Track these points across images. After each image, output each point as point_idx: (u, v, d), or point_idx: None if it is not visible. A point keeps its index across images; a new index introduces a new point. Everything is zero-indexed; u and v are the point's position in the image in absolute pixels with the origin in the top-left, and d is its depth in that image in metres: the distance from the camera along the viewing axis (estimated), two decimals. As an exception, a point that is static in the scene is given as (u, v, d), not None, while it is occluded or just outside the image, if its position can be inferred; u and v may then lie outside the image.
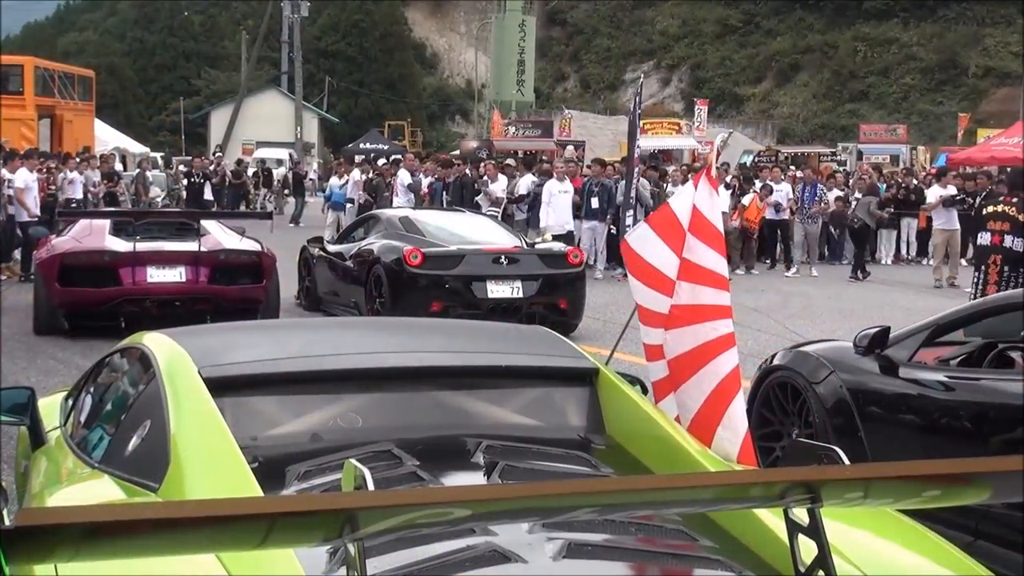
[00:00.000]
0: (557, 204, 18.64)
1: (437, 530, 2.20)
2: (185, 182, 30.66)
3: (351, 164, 27.29)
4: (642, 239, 5.66)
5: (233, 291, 12.79)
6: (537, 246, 14.06)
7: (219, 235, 13.46)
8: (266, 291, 13.08)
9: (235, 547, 1.93)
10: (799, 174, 24.05)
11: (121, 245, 12.66)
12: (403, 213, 15.00)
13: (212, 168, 33.16)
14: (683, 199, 5.59)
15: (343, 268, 14.04)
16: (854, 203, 23.83)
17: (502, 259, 12.76)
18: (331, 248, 14.91)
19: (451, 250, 12.85)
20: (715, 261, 5.36)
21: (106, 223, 13.54)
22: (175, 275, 12.57)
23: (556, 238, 17.73)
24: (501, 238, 13.74)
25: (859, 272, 20.84)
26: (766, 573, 2.59)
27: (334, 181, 26.29)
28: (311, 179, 34.60)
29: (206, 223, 13.72)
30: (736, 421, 5.00)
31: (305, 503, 1.75)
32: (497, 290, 12.59)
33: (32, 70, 35.52)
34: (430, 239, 13.20)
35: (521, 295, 12.65)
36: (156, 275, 12.50)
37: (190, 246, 12.69)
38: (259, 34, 66.93)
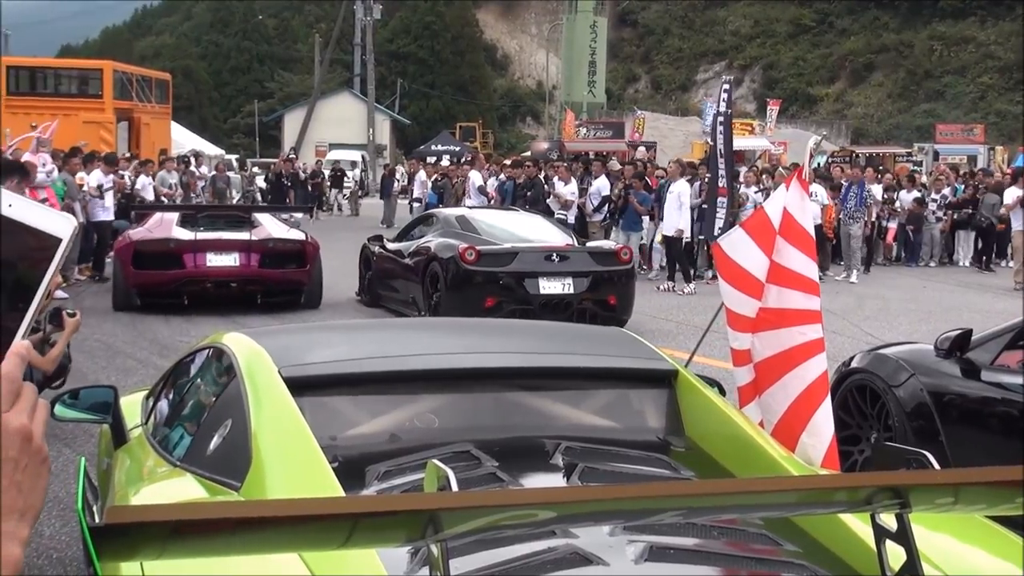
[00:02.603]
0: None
1: (518, 531, 2.19)
2: (262, 184, 31.53)
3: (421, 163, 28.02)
4: (735, 243, 5.54)
5: (280, 274, 14.59)
6: (588, 244, 14.32)
7: (269, 226, 15.19)
8: (309, 275, 14.74)
9: (319, 547, 1.93)
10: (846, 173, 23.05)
11: (185, 235, 14.49)
12: (459, 212, 15.51)
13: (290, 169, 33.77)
14: (776, 202, 5.49)
15: (402, 265, 14.41)
16: (932, 204, 23.50)
17: (554, 256, 13.07)
18: (390, 246, 15.29)
19: (505, 248, 13.16)
20: (804, 264, 5.24)
21: (174, 216, 15.39)
22: (230, 260, 14.40)
23: (665, 239, 18.27)
24: (553, 236, 13.98)
25: (984, 265, 22.94)
26: (851, 578, 2.54)
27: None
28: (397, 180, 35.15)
29: (259, 216, 15.74)
30: (821, 427, 4.88)
31: (389, 503, 1.75)
32: (549, 286, 12.85)
33: (111, 74, 35.94)
34: (485, 237, 13.50)
35: (572, 291, 12.90)
36: (214, 260, 14.34)
37: (243, 235, 14.56)
38: (332, 37, 67.51)
